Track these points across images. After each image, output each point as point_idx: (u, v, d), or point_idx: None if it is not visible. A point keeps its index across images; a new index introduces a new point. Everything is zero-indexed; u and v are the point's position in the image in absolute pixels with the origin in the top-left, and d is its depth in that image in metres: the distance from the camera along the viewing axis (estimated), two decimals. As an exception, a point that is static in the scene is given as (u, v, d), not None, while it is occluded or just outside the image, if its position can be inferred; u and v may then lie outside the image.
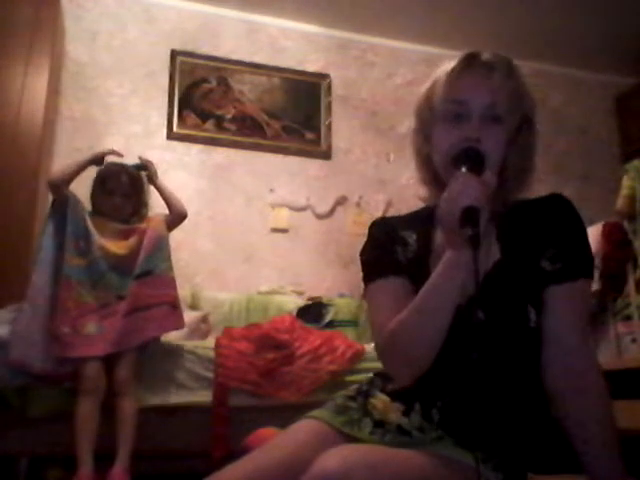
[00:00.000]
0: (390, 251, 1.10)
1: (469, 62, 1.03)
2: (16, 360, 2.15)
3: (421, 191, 1.12)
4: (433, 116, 1.06)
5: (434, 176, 1.07)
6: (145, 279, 2.37)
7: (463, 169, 0.93)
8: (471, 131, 0.99)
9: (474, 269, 0.87)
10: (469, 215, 0.88)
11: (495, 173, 1.00)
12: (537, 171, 1.08)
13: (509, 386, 1.01)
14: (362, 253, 1.15)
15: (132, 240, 2.43)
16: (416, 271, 0.99)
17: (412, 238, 1.11)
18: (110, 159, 2.52)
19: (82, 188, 2.50)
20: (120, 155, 2.51)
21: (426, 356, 0.97)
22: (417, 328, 0.96)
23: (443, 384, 1.01)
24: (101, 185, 2.47)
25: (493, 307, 1.00)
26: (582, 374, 0.97)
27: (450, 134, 1.01)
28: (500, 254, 1.04)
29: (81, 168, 2.43)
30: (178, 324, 2.42)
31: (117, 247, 2.41)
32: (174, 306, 2.41)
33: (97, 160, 2.48)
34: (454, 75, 1.03)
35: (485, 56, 1.03)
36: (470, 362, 0.99)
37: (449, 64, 1.05)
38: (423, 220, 1.08)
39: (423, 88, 1.10)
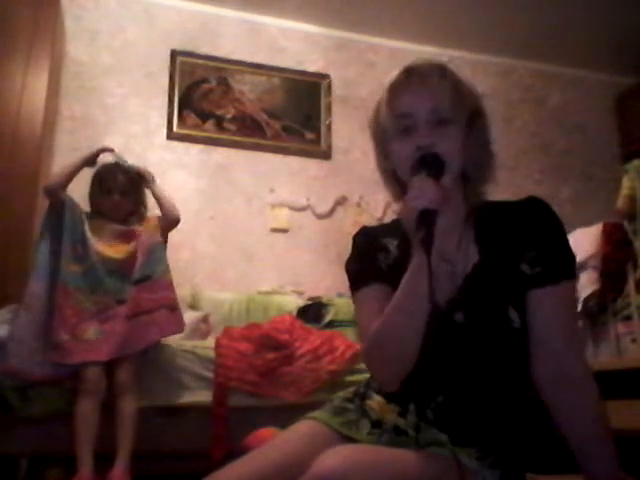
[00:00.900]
0: (372, 259, 1.12)
1: (404, 75, 1.07)
2: (13, 368, 2.15)
3: (395, 206, 1.15)
4: (385, 134, 1.09)
5: (402, 190, 1.09)
6: (144, 284, 2.37)
7: (423, 174, 0.96)
8: (421, 139, 1.02)
9: (428, 271, 0.89)
10: (423, 218, 0.91)
11: (458, 170, 1.04)
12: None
13: (500, 384, 1.02)
14: (347, 264, 1.18)
15: (131, 245, 2.42)
16: (398, 277, 1.00)
17: (393, 245, 1.14)
18: (106, 157, 2.52)
19: (81, 189, 2.50)
20: (112, 150, 2.50)
21: (407, 357, 0.98)
22: (394, 329, 0.97)
23: (435, 384, 1.02)
24: (99, 184, 2.47)
25: (473, 309, 1.01)
26: (570, 376, 0.97)
27: (405, 147, 1.04)
28: (479, 255, 1.05)
29: (76, 169, 2.42)
30: (179, 327, 2.41)
31: (115, 251, 2.40)
32: (173, 308, 2.40)
33: (90, 160, 2.46)
34: (393, 91, 1.07)
35: (417, 65, 1.07)
36: (459, 361, 1.00)
37: (389, 81, 1.09)
38: (403, 226, 1.10)
39: (371, 110, 1.14)
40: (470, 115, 1.07)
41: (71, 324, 2.22)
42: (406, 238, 1.08)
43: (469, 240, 1.06)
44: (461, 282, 1.03)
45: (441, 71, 1.06)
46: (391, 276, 1.06)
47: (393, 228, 1.16)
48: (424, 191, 0.93)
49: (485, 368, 1.00)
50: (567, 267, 1.03)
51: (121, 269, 2.38)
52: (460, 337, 1.00)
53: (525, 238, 1.03)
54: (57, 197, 2.37)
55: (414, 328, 0.96)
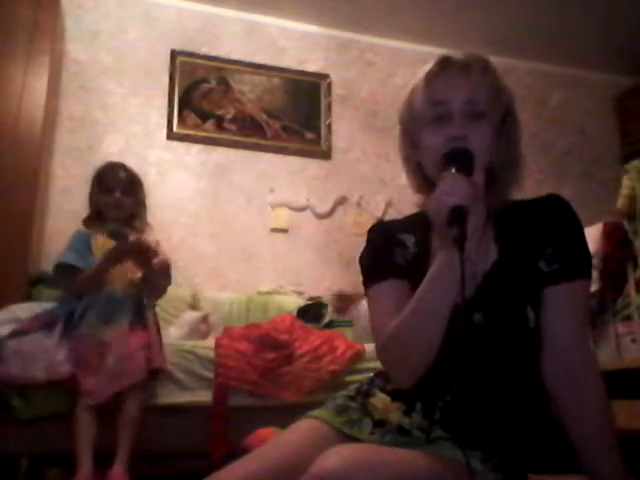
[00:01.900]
0: (389, 254, 1.10)
1: (444, 64, 1.05)
2: (14, 375, 2.16)
3: (415, 197, 1.13)
4: (416, 123, 1.07)
5: (425, 182, 1.08)
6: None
7: (452, 169, 0.94)
8: (456, 130, 1.00)
9: (461, 270, 0.87)
10: (456, 215, 0.88)
11: (484, 169, 1.00)
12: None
13: (510, 386, 1.01)
14: (361, 258, 1.16)
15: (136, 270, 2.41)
16: (415, 273, 1.00)
17: (411, 241, 1.12)
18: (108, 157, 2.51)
19: (81, 189, 2.50)
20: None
21: (424, 357, 0.97)
22: (414, 329, 0.96)
23: (445, 384, 1.01)
24: (99, 183, 2.46)
25: (492, 308, 1.00)
26: (581, 375, 0.97)
27: (436, 136, 1.01)
28: (498, 255, 1.04)
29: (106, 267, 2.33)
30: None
31: (125, 278, 2.37)
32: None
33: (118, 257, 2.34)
34: (431, 78, 1.05)
35: (459, 56, 1.05)
36: (471, 363, 0.99)
37: (425, 69, 1.07)
38: (421, 223, 1.08)
39: (404, 97, 1.12)
40: (504, 114, 1.05)
41: (95, 364, 2.17)
42: (423, 234, 1.07)
43: (489, 239, 1.05)
44: (480, 281, 1.02)
45: (483, 65, 1.05)
46: (409, 272, 1.05)
47: (409, 224, 1.14)
48: (457, 187, 0.90)
49: (498, 369, 1.00)
50: (584, 266, 1.02)
51: (128, 293, 2.35)
52: (477, 337, 0.99)
53: (544, 235, 1.02)
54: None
55: (436, 327, 0.94)
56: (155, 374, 2.30)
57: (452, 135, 0.99)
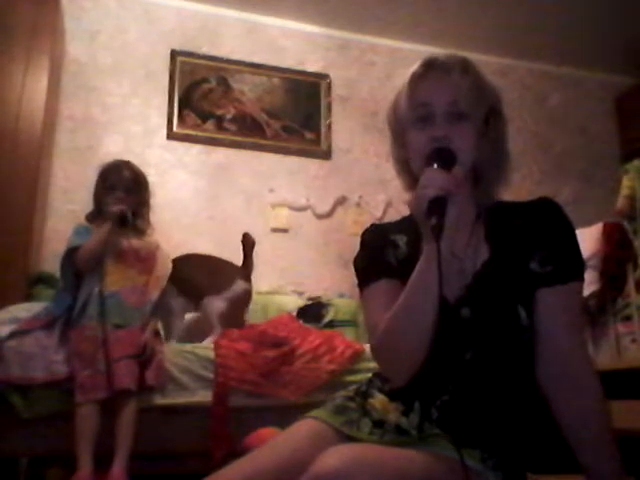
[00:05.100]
0: (381, 255, 1.12)
1: (426, 67, 1.08)
2: (14, 376, 2.17)
3: (407, 196, 1.15)
4: (402, 124, 1.09)
5: (414, 180, 1.09)
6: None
7: (434, 166, 0.96)
8: (437, 131, 1.02)
9: (437, 259, 0.89)
10: (434, 206, 0.91)
11: (469, 168, 1.03)
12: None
13: (506, 384, 1.01)
14: (355, 261, 1.18)
15: (142, 278, 2.42)
16: (407, 273, 1.00)
17: (403, 241, 1.13)
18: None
19: (81, 189, 2.50)
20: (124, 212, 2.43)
21: (415, 353, 0.97)
22: (404, 324, 0.97)
23: (441, 383, 1.01)
24: (103, 181, 2.46)
25: (481, 305, 1.01)
26: (576, 376, 0.97)
27: (420, 137, 1.04)
28: (489, 253, 1.05)
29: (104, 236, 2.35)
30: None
31: (121, 276, 2.38)
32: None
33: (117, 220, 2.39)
34: (414, 81, 1.08)
35: (441, 58, 1.08)
36: (465, 361, 1.00)
37: (409, 72, 1.10)
38: (414, 223, 1.09)
39: (390, 101, 1.15)
40: (487, 113, 1.07)
41: (89, 356, 2.19)
42: (416, 235, 1.08)
43: (479, 238, 1.06)
44: (470, 279, 1.03)
45: (463, 66, 1.07)
46: (401, 271, 1.06)
47: (402, 225, 1.16)
48: (434, 180, 0.93)
49: (492, 366, 1.00)
50: (577, 268, 1.03)
51: (123, 294, 2.36)
52: (467, 333, 1.00)
53: (536, 238, 1.03)
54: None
55: (425, 320, 0.95)
56: (150, 388, 2.30)
57: (433, 136, 1.02)
